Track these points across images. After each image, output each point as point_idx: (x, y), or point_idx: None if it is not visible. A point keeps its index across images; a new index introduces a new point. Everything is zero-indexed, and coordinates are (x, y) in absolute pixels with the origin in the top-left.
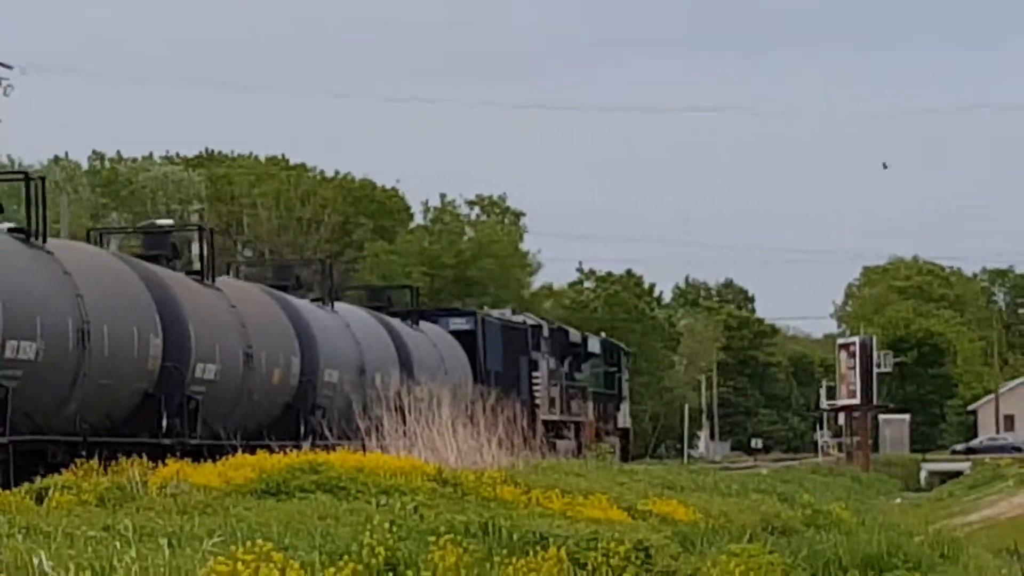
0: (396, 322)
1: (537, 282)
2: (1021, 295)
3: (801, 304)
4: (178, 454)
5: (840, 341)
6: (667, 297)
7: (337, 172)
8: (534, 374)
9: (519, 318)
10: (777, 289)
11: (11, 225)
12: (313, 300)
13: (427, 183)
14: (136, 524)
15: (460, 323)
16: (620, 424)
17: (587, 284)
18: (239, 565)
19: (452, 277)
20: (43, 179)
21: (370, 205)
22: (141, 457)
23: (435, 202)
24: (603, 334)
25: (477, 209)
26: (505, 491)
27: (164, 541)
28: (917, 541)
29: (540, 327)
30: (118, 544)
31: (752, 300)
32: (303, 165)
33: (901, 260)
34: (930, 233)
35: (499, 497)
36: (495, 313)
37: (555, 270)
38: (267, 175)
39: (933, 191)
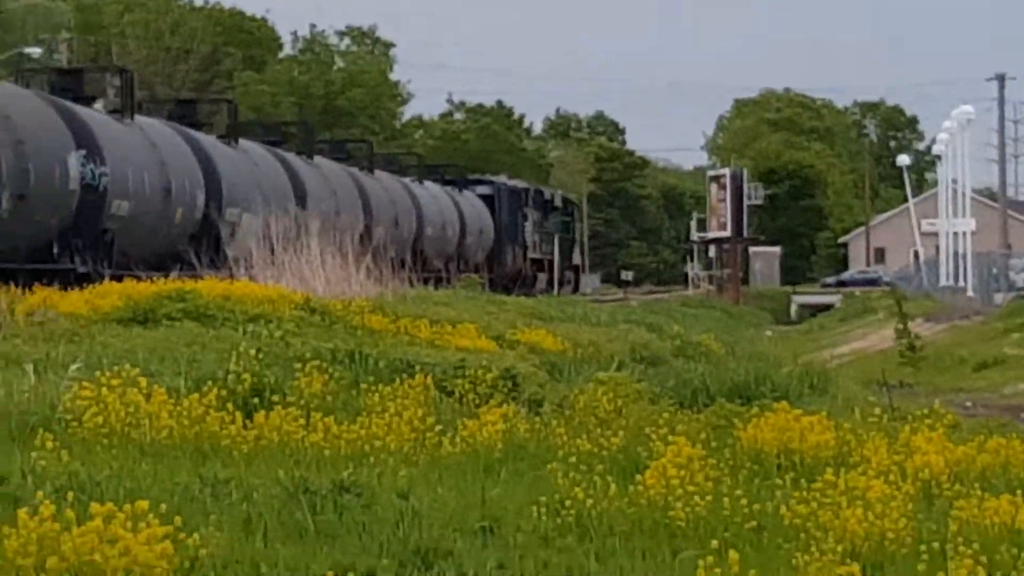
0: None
1: (408, 113)
2: (892, 128)
3: (672, 136)
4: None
5: (711, 173)
6: (537, 129)
7: (206, 1)
8: (525, 225)
9: (513, 182)
10: (648, 121)
11: None
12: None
13: (296, 13)
14: (1, 350)
15: (484, 190)
16: (574, 262)
17: (457, 116)
18: (104, 390)
19: (321, 108)
20: None
21: (239, 35)
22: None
23: (305, 32)
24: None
25: (347, 40)
26: (373, 320)
27: (30, 367)
28: (785, 372)
29: (528, 189)
30: None
31: (623, 132)
32: None
33: (772, 92)
34: (802, 66)
35: (367, 326)
36: (497, 180)
37: (426, 102)
38: (136, 4)
39: (805, 24)
